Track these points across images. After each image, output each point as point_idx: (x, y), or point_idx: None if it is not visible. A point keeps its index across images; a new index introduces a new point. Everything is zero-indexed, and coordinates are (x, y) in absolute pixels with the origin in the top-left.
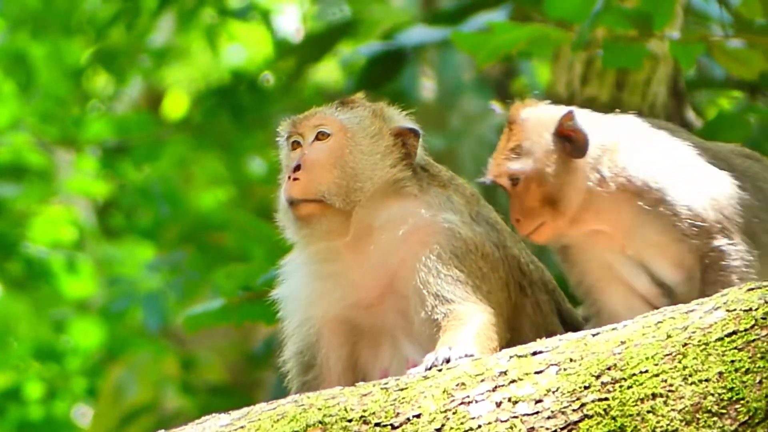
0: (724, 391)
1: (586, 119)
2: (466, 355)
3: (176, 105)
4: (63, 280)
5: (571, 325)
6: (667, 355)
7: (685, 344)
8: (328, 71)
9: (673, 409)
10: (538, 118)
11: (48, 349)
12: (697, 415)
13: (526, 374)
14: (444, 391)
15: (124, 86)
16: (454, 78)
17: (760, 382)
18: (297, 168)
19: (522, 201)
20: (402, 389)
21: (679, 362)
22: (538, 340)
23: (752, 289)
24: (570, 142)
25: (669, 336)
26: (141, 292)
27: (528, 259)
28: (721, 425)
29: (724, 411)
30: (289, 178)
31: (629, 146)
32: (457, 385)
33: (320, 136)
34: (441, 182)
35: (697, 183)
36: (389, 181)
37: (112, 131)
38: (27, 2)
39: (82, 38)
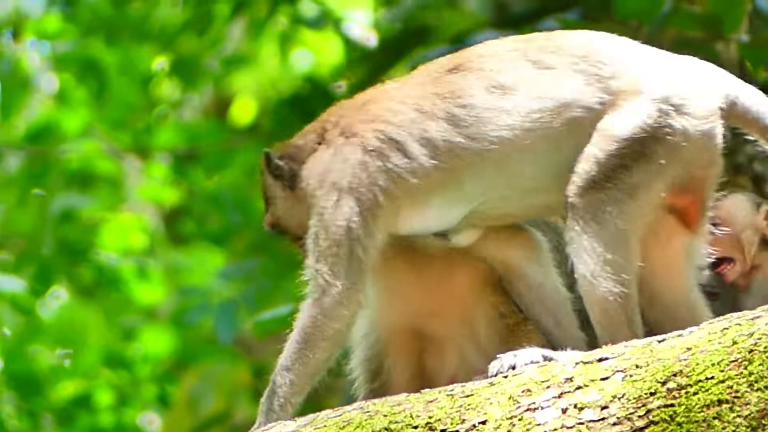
0: None
1: None
2: (531, 362)
3: (244, 111)
4: (133, 288)
5: None
6: (733, 361)
7: (751, 350)
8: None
9: (738, 416)
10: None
11: (118, 357)
12: (763, 421)
13: (592, 381)
14: (510, 398)
15: (196, 93)
16: None
17: None
18: None
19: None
20: (467, 396)
21: (745, 368)
22: None
23: None
24: None
25: (735, 342)
26: (213, 302)
27: None
28: None
29: None
30: None
31: None
32: (522, 391)
33: None
34: None
35: None
36: None
37: (182, 138)
38: (99, 9)
39: (154, 45)
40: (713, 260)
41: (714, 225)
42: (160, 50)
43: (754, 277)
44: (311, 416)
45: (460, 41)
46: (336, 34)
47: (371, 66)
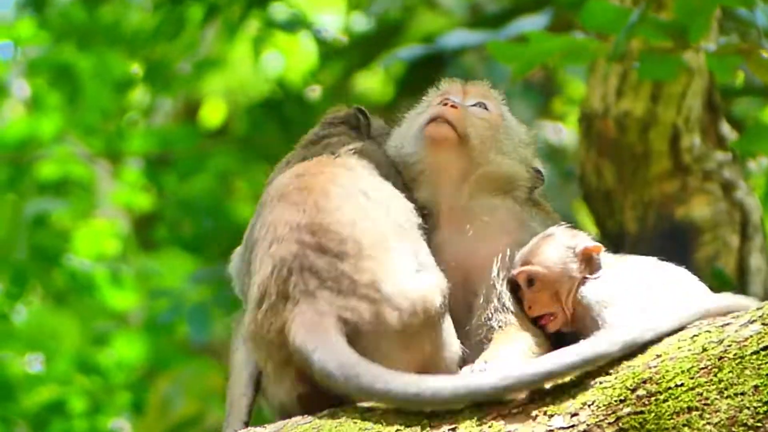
0: (760, 404)
1: None
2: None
3: (214, 113)
4: (107, 293)
5: None
6: (703, 368)
7: (721, 357)
8: (371, 81)
9: (708, 423)
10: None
11: (92, 363)
12: (733, 429)
13: (562, 387)
14: (479, 405)
15: (170, 97)
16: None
17: None
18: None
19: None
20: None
21: (715, 376)
22: None
23: None
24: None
25: (704, 349)
26: (186, 305)
27: None
28: None
29: (759, 425)
30: (445, 104)
31: None
32: None
33: (480, 106)
34: (546, 210)
35: None
36: (512, 177)
37: (154, 143)
38: (72, 14)
39: (127, 50)
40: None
41: (529, 281)
42: (133, 55)
43: (583, 317)
44: (280, 423)
45: (431, 41)
46: (309, 37)
47: (344, 66)
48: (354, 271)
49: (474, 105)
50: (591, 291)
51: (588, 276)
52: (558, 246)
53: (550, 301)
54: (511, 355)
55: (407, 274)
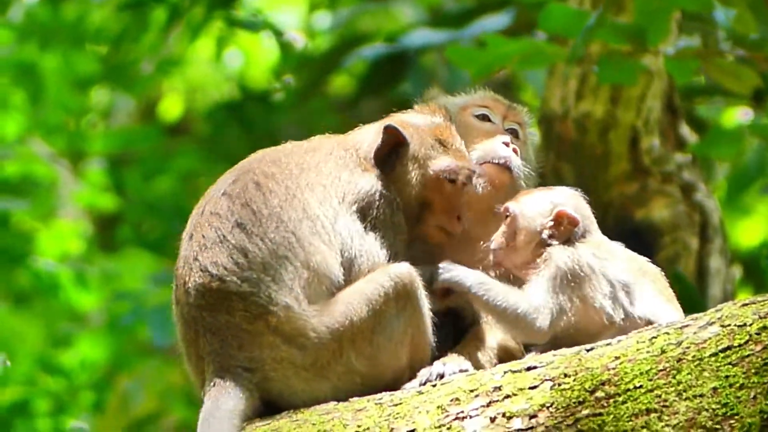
0: (719, 406)
1: None
2: (460, 371)
3: (171, 109)
4: (71, 294)
5: None
6: (662, 370)
7: (680, 359)
8: (335, 82)
9: (667, 425)
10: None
11: (55, 364)
12: (692, 431)
13: (521, 389)
14: (438, 407)
15: (133, 97)
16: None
17: (755, 397)
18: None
19: None
20: (396, 404)
21: (674, 377)
22: None
23: (746, 304)
24: None
25: (663, 351)
26: (147, 307)
27: None
28: None
29: (718, 426)
30: (507, 144)
31: None
32: (451, 400)
33: (513, 132)
34: None
35: None
36: None
37: (117, 143)
38: (36, 14)
39: (91, 50)
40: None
41: (506, 213)
42: (97, 55)
43: (517, 273)
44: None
45: (393, 41)
46: (270, 37)
47: (310, 75)
48: None
49: (508, 130)
50: (555, 254)
51: (552, 240)
52: (545, 198)
53: (507, 236)
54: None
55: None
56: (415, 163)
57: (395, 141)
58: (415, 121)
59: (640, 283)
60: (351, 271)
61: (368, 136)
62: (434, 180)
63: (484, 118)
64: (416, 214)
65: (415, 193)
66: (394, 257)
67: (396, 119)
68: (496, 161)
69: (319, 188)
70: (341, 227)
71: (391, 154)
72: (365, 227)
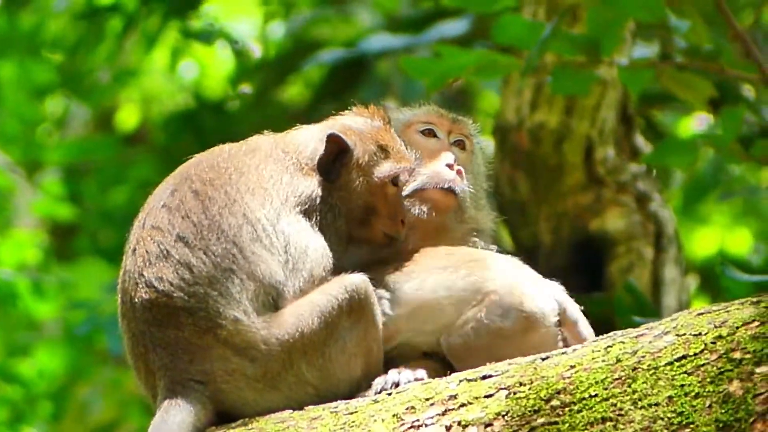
0: (674, 415)
1: None
2: (415, 379)
3: (127, 119)
4: (29, 303)
5: None
6: (617, 379)
7: (635, 368)
8: (289, 90)
9: None
10: None
11: (13, 373)
12: None
13: (476, 398)
14: (394, 416)
15: (89, 107)
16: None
17: (710, 406)
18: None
19: None
20: (351, 413)
21: (629, 386)
22: None
23: (701, 313)
24: None
25: (619, 360)
26: (103, 316)
27: None
28: None
29: None
30: (451, 167)
31: None
32: (407, 408)
33: (459, 145)
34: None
35: None
36: (482, 230)
37: (73, 153)
38: None
39: (47, 59)
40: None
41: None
42: (53, 64)
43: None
44: None
45: (352, 45)
46: (226, 47)
47: (263, 81)
48: None
49: (454, 143)
50: None
51: None
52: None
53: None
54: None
55: None
56: (359, 171)
57: (338, 149)
58: (356, 127)
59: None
60: (296, 270)
61: (309, 140)
62: (379, 186)
63: (429, 133)
64: (361, 220)
65: (361, 200)
66: (337, 261)
67: (338, 125)
68: (440, 186)
69: (260, 191)
70: (284, 226)
71: (335, 161)
72: (311, 226)
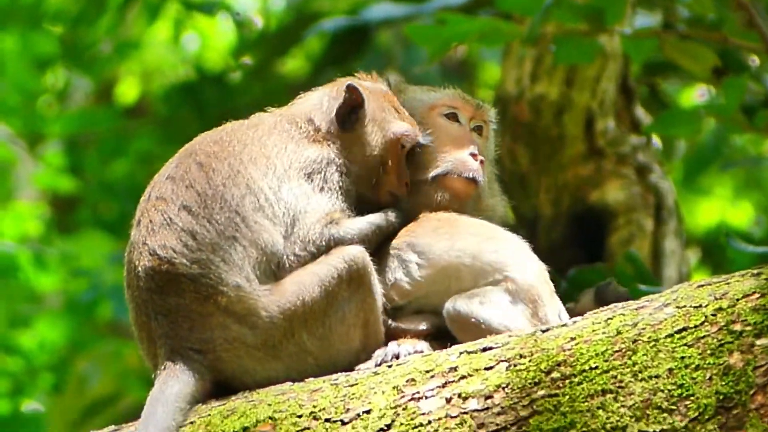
0: (674, 387)
1: None
2: (415, 351)
3: (128, 91)
4: (30, 275)
5: None
6: (617, 351)
7: (635, 341)
8: (291, 61)
9: (623, 405)
10: None
11: (14, 345)
12: (647, 412)
13: (476, 370)
14: (394, 387)
15: (91, 79)
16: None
17: (710, 378)
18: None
19: None
20: (352, 385)
21: (629, 359)
22: None
23: (702, 285)
24: None
25: (619, 332)
26: (106, 284)
27: None
28: (671, 421)
29: (674, 407)
30: (475, 157)
31: None
32: (407, 381)
33: (478, 130)
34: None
35: None
36: (497, 216)
37: (75, 125)
38: None
39: (49, 31)
40: None
41: None
42: (55, 35)
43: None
44: (195, 406)
45: (354, 14)
46: (227, 19)
47: (265, 53)
48: None
49: (474, 128)
50: None
51: None
52: None
53: None
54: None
55: None
56: (375, 125)
57: (355, 102)
58: (367, 85)
59: None
60: (294, 237)
61: (316, 103)
62: (393, 143)
63: (453, 117)
64: (368, 179)
65: (373, 155)
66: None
67: (347, 83)
68: (465, 175)
69: (263, 160)
70: (285, 193)
71: (351, 114)
72: (312, 189)
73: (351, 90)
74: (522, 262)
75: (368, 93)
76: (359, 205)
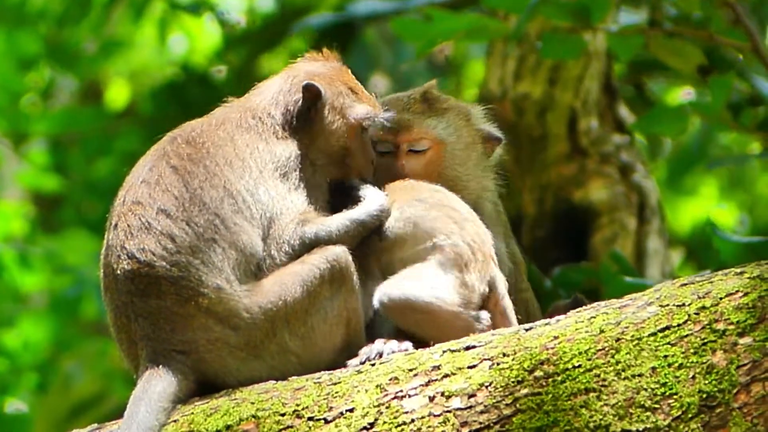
0: (658, 386)
1: None
2: (399, 350)
3: (118, 95)
4: (15, 274)
5: None
6: (600, 350)
7: (618, 339)
8: (275, 62)
9: (606, 404)
10: None
11: None
12: (630, 410)
13: (459, 369)
14: (377, 386)
15: (75, 78)
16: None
17: (693, 377)
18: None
19: None
20: (335, 383)
21: (612, 357)
22: None
23: (685, 284)
24: None
25: (602, 331)
26: (91, 281)
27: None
28: (654, 420)
29: (657, 406)
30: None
31: None
32: (390, 379)
33: (416, 149)
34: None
35: None
36: (477, 189)
37: (60, 124)
38: None
39: (34, 30)
40: None
41: None
42: (40, 34)
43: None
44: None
45: (341, 9)
46: (213, 19)
47: (250, 49)
48: None
49: (410, 150)
50: None
51: None
52: None
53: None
54: None
55: None
56: (335, 113)
57: (312, 98)
58: (320, 71)
59: None
60: (272, 239)
61: (276, 95)
62: (355, 128)
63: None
64: (338, 165)
65: (339, 143)
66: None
67: (302, 73)
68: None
69: (238, 162)
70: (262, 194)
71: (309, 109)
72: (287, 189)
73: (310, 89)
74: (455, 230)
75: (324, 82)
76: (344, 199)
